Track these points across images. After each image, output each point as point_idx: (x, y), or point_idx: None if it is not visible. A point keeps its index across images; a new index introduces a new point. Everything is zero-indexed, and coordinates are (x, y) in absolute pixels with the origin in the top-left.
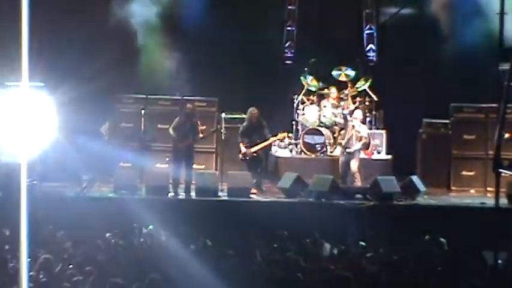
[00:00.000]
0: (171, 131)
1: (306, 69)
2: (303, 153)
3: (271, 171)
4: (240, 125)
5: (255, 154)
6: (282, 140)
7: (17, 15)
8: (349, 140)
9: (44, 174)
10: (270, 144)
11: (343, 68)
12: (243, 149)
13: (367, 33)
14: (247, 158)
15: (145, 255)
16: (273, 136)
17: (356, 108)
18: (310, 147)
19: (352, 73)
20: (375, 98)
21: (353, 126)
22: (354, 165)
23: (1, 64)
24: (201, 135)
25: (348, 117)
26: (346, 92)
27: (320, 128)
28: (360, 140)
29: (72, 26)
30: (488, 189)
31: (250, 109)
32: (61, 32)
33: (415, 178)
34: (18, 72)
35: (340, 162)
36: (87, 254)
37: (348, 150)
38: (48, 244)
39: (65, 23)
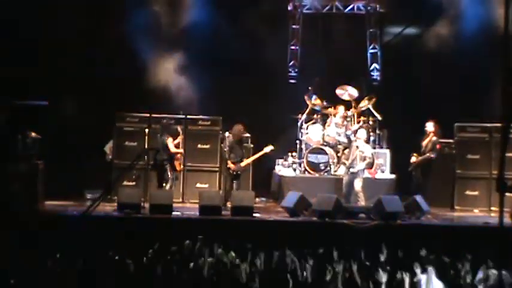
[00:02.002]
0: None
1: (309, 88)
2: (306, 172)
3: (274, 191)
4: (245, 144)
5: (244, 169)
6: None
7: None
8: (353, 160)
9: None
10: (259, 158)
11: (347, 87)
12: (231, 165)
13: (371, 53)
14: (238, 173)
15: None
16: (259, 151)
17: (360, 127)
18: (314, 167)
19: (356, 92)
20: (379, 117)
21: (357, 146)
22: (358, 184)
23: None
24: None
25: (352, 137)
26: (349, 112)
27: (324, 147)
28: (364, 159)
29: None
30: (492, 208)
31: (238, 126)
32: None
33: (419, 198)
34: None
35: (344, 181)
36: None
37: (351, 170)
38: None
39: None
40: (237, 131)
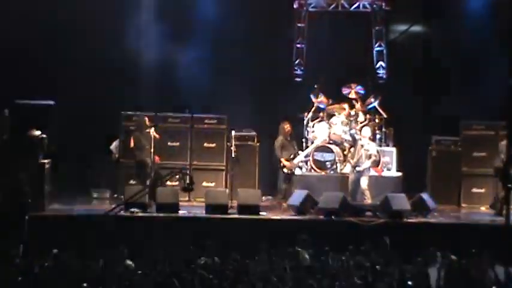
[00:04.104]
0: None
1: (315, 86)
2: (313, 170)
3: (280, 189)
4: (251, 142)
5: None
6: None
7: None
8: (359, 158)
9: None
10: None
11: (353, 86)
12: (286, 163)
13: (376, 51)
14: (292, 171)
15: None
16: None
17: (364, 125)
18: (320, 165)
19: (362, 90)
20: (385, 116)
21: (362, 145)
22: (364, 182)
23: None
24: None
25: (356, 135)
26: (353, 112)
27: (330, 145)
28: (369, 157)
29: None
30: None
31: (284, 124)
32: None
33: (425, 195)
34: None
35: (350, 179)
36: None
37: (357, 168)
38: None
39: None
40: (283, 130)
